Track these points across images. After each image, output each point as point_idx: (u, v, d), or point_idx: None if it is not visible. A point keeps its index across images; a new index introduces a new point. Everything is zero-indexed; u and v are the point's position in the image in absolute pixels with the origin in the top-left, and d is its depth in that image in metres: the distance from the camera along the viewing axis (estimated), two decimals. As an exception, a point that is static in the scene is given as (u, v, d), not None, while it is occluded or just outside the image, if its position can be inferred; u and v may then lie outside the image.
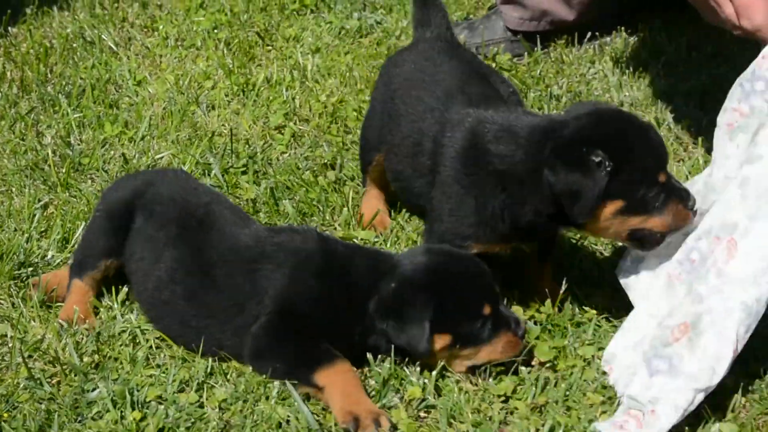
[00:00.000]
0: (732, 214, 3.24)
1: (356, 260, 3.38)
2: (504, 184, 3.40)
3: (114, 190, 3.74)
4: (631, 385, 3.20)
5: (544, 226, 3.44)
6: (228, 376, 3.35)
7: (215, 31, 5.16)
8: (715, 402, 3.23)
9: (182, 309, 3.42)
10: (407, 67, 3.84)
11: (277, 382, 3.27)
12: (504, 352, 3.33)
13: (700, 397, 3.14)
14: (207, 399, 3.29)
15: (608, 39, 4.94)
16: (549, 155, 3.33)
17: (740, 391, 3.25)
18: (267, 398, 3.25)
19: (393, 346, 3.31)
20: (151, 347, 3.46)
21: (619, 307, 3.54)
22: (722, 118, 3.41)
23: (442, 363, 3.33)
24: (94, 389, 3.29)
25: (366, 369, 3.35)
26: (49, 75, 4.87)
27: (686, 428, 3.14)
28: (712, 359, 3.13)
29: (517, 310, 3.54)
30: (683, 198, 3.36)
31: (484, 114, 3.51)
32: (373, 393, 3.28)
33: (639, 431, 3.12)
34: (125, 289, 3.63)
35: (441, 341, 3.29)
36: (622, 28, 4.96)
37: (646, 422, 3.12)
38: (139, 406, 3.24)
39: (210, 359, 3.38)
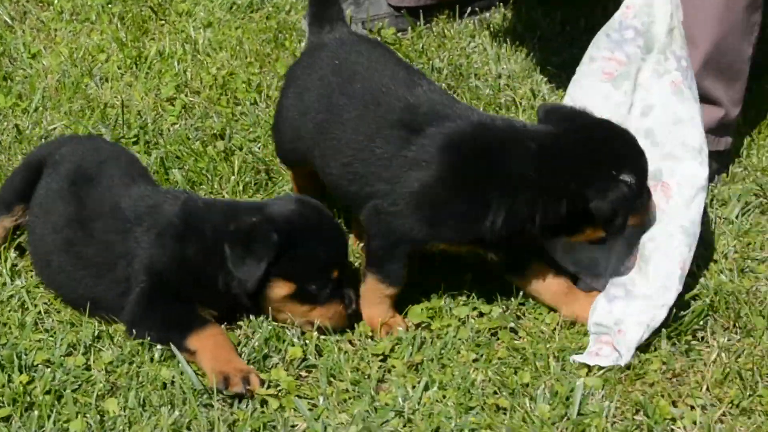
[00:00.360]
0: (651, 164, 3.33)
1: (214, 214, 3.33)
2: (513, 194, 3.26)
3: (36, 148, 3.80)
4: (593, 315, 3.28)
5: (531, 239, 3.35)
6: (114, 339, 3.29)
7: (109, 5, 5.04)
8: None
9: (62, 260, 3.38)
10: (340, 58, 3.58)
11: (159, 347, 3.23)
12: (332, 319, 3.32)
13: (662, 313, 3.22)
14: (94, 362, 3.23)
15: (487, 14, 4.93)
16: (587, 181, 3.23)
17: (604, 347, 3.27)
18: (152, 360, 3.21)
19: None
20: (39, 312, 3.39)
21: (493, 269, 3.53)
22: (589, 67, 3.49)
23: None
24: (-18, 354, 3.23)
25: (248, 331, 3.31)
26: (-56, 48, 4.76)
27: (554, 382, 3.15)
28: (663, 278, 3.24)
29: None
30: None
31: (482, 117, 3.40)
32: (255, 354, 3.24)
33: (614, 354, 3.18)
34: (13, 255, 3.56)
35: (285, 288, 3.27)
36: (501, 3, 4.95)
37: (617, 341, 3.19)
38: (27, 369, 3.18)
39: (97, 323, 3.33)
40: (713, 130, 3.87)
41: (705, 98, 3.82)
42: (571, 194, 3.24)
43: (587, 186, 3.23)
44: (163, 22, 4.97)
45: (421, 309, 3.42)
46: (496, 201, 3.26)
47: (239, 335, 3.31)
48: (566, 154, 3.28)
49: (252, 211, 3.31)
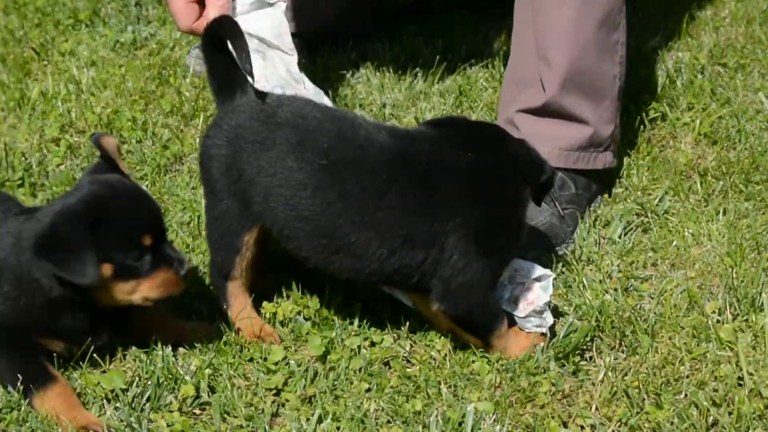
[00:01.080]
0: None
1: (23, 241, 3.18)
2: (526, 186, 3.36)
3: None
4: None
5: None
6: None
7: (-10, 47, 5.00)
8: (471, 382, 3.25)
9: None
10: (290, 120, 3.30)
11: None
12: (163, 288, 3.20)
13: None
14: (-18, 408, 3.17)
15: (369, 45, 4.94)
16: (533, 163, 3.38)
17: (494, 372, 3.27)
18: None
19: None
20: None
21: (383, 297, 3.52)
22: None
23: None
24: None
25: (140, 370, 3.26)
26: None
27: (446, 408, 3.15)
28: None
29: (286, 306, 3.51)
30: None
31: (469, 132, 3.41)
32: (149, 394, 3.19)
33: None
34: None
35: (104, 271, 3.12)
36: (382, 34, 4.97)
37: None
38: None
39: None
40: (584, 148, 3.93)
41: (570, 116, 3.90)
42: (534, 175, 3.37)
43: (540, 167, 3.37)
44: (45, 62, 4.91)
45: (320, 340, 3.39)
46: (524, 197, 3.34)
47: (131, 376, 3.26)
48: (513, 146, 3.37)
49: (42, 215, 3.17)
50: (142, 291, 3.19)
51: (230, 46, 3.32)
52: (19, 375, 3.13)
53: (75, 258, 3.07)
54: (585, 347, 3.37)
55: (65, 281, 3.12)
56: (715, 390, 3.20)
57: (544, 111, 3.90)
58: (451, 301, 3.27)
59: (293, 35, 4.75)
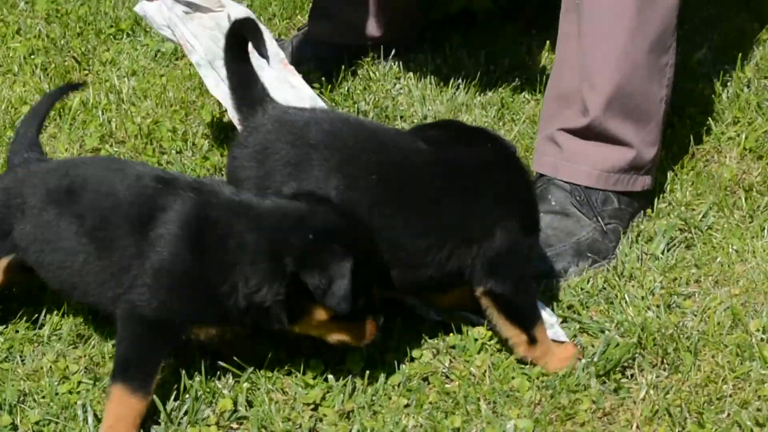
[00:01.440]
0: None
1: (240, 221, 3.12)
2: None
3: None
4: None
5: None
6: (43, 397, 3.25)
7: (32, 56, 5.02)
8: (510, 398, 3.26)
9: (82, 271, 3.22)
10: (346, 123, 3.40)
11: (80, 402, 3.19)
12: (367, 337, 3.21)
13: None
14: (21, 421, 3.19)
15: (412, 56, 4.95)
16: None
17: (534, 388, 3.28)
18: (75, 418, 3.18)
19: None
20: (-37, 373, 3.35)
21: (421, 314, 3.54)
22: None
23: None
24: None
25: (178, 384, 3.29)
26: None
27: (485, 425, 3.15)
28: None
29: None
30: None
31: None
32: (187, 407, 3.21)
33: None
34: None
35: (329, 311, 3.09)
36: (425, 45, 4.98)
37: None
38: (-48, 431, 3.14)
39: (22, 381, 3.29)
40: (625, 171, 3.91)
41: (613, 139, 3.87)
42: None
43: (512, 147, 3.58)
44: (86, 72, 4.95)
45: (359, 355, 3.40)
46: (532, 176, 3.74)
47: (169, 389, 3.28)
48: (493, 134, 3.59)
49: (301, 223, 3.08)
50: (348, 335, 3.20)
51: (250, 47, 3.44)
52: (134, 360, 3.11)
53: (340, 285, 3.01)
54: (626, 364, 3.37)
55: (294, 289, 3.08)
56: (759, 410, 3.20)
57: (587, 133, 3.88)
58: (498, 278, 3.31)
59: (339, 46, 4.83)
